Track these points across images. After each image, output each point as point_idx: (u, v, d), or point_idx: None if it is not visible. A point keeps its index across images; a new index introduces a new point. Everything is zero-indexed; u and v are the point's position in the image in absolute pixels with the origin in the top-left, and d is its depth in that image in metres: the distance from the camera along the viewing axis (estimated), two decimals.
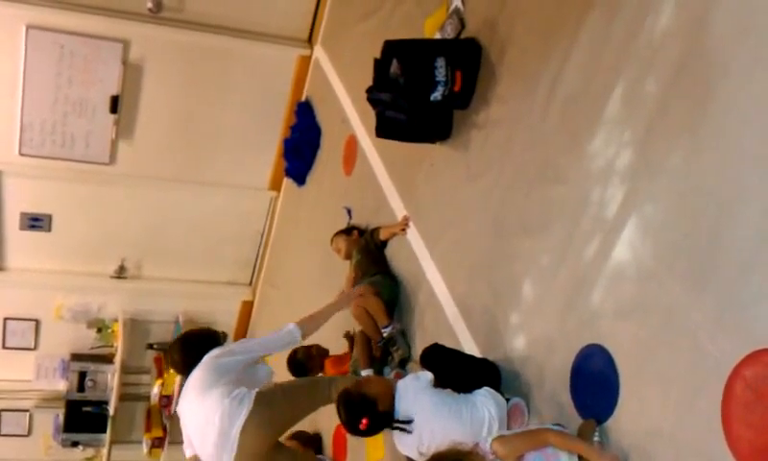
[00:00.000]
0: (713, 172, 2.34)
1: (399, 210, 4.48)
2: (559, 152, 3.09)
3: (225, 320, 7.34)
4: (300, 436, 5.35)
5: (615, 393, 2.63)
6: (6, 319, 6.97)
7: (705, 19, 2.44)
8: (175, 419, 7.37)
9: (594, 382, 2.74)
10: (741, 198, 2.23)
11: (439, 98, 3.60)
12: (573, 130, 3.01)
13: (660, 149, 2.57)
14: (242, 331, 7.63)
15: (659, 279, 2.50)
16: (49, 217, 6.65)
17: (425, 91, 3.59)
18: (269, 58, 6.36)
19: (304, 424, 5.38)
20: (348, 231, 4.96)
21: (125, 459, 7.61)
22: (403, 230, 4.39)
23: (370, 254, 4.61)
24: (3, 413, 7.32)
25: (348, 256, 4.85)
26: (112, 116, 6.16)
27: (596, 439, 2.66)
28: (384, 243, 4.63)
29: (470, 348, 3.57)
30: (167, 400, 7.08)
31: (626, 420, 2.60)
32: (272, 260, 7.21)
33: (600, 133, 2.86)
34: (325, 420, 5.20)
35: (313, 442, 5.36)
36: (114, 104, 6.11)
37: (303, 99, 6.47)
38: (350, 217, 5.21)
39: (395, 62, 3.67)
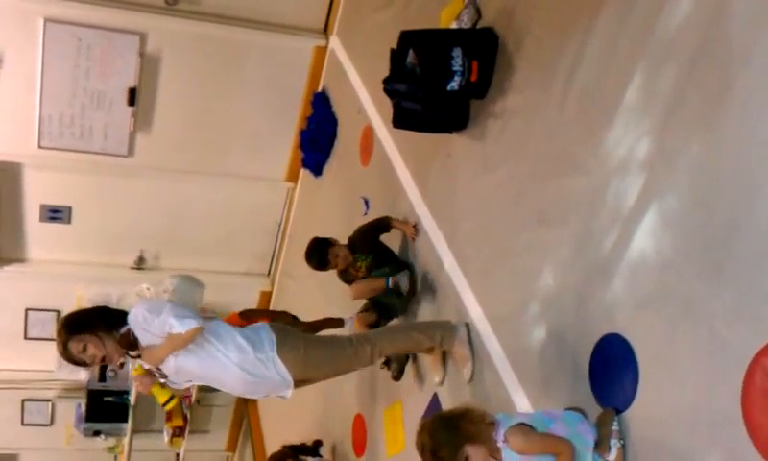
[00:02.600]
0: (732, 161, 2.34)
1: (417, 200, 4.48)
2: (576, 142, 3.09)
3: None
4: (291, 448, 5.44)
5: (635, 382, 2.64)
6: (27, 310, 7.04)
7: (724, 6, 2.43)
8: (195, 408, 7.47)
9: (613, 371, 2.74)
10: (760, 187, 2.22)
11: (455, 88, 3.61)
12: (590, 120, 3.01)
13: (678, 138, 2.56)
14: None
15: (677, 268, 2.50)
16: (68, 209, 6.70)
17: (442, 81, 3.60)
18: (285, 49, 6.36)
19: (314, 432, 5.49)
20: (328, 243, 4.61)
21: (146, 448, 7.67)
22: (413, 237, 4.44)
23: (377, 250, 4.54)
24: (26, 403, 7.40)
25: (347, 264, 4.58)
26: (130, 108, 6.20)
27: (615, 427, 2.67)
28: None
29: (489, 337, 3.59)
30: (188, 390, 7.12)
31: (645, 409, 2.60)
32: (289, 251, 7.24)
33: (618, 122, 2.85)
34: (340, 417, 5.24)
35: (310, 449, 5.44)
36: (132, 96, 6.14)
37: (319, 90, 6.48)
38: (367, 207, 5.22)
39: (411, 53, 3.68)
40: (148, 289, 4.12)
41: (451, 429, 2.64)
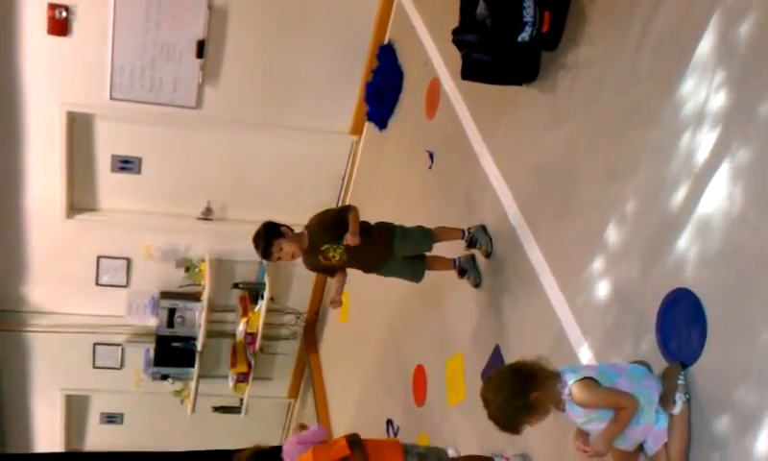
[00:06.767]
0: None
1: (483, 153, 4.47)
2: (649, 94, 3.05)
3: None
4: None
5: (702, 337, 2.63)
6: (99, 257, 7.22)
7: None
8: (258, 355, 7.62)
9: (681, 326, 2.73)
10: None
11: (526, 39, 3.57)
12: (665, 72, 2.96)
13: (754, 91, 2.52)
14: (322, 276, 7.75)
15: (750, 223, 2.47)
16: (139, 160, 6.83)
17: (512, 32, 3.56)
18: (352, 0, 6.36)
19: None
20: (276, 233, 4.25)
21: (211, 393, 7.88)
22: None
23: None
24: (97, 346, 7.62)
25: (293, 258, 4.35)
26: (199, 61, 6.27)
27: (680, 382, 2.66)
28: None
29: (554, 292, 3.59)
30: (252, 338, 7.27)
31: (712, 364, 2.59)
32: (352, 204, 7.28)
33: (693, 75, 2.81)
34: (401, 367, 5.28)
35: None
36: (200, 48, 6.21)
37: (386, 42, 6.46)
38: (432, 161, 5.22)
39: (481, 3, 3.65)
40: None
41: (514, 390, 2.69)
